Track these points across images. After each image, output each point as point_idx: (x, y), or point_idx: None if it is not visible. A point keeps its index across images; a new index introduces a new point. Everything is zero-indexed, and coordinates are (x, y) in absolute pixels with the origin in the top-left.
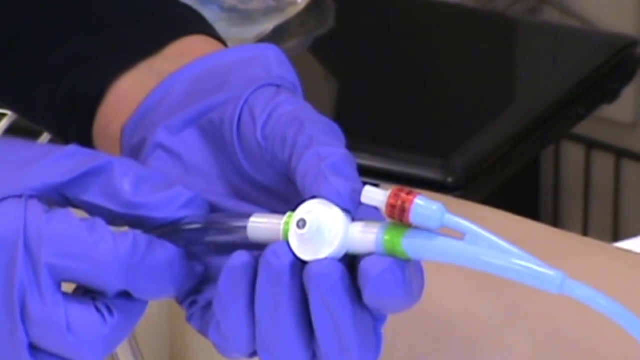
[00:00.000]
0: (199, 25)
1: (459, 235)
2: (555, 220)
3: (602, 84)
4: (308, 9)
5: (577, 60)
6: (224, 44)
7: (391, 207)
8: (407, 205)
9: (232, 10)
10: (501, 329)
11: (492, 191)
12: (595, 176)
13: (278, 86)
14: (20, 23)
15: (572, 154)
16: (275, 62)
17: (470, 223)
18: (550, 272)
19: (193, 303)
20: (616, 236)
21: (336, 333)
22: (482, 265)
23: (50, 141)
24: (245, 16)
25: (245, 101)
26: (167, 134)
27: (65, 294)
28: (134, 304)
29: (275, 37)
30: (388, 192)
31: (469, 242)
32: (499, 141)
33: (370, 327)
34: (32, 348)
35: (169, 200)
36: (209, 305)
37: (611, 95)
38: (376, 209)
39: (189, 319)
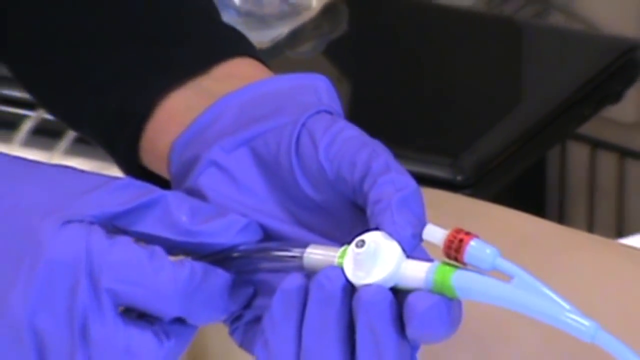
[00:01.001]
0: (243, 47)
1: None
2: (561, 217)
3: (606, 86)
4: (322, 13)
5: (582, 63)
6: (266, 64)
7: (449, 243)
8: (463, 245)
9: (248, 14)
10: (510, 324)
11: (500, 189)
12: (600, 175)
13: (331, 113)
14: (70, 38)
15: (577, 154)
16: (324, 91)
17: (519, 268)
18: (585, 322)
19: (238, 318)
20: (620, 232)
21: (378, 356)
22: (526, 310)
23: (75, 141)
24: (261, 20)
25: (303, 125)
26: (222, 153)
27: (124, 318)
28: (188, 328)
29: (290, 40)
30: (447, 232)
31: (516, 286)
32: (507, 141)
33: (408, 356)
34: None
35: (226, 227)
36: (254, 320)
37: (615, 96)
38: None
39: (232, 332)
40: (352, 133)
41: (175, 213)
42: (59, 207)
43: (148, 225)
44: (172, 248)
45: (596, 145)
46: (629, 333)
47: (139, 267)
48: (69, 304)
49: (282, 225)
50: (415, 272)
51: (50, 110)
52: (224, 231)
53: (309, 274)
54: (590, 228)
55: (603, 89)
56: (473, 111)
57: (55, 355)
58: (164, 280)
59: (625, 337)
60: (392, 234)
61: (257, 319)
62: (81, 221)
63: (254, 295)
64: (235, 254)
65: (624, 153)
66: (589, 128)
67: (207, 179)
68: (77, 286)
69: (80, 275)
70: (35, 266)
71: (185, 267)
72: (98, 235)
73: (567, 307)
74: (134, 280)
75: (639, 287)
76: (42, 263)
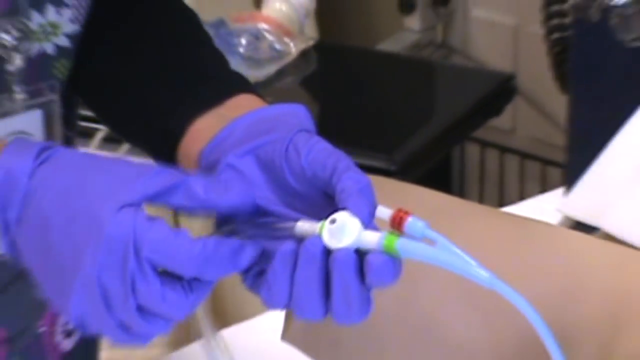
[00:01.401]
0: (245, 86)
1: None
2: (461, 195)
3: (491, 104)
4: (299, 57)
5: (475, 89)
6: (262, 97)
7: (393, 219)
8: (403, 220)
9: (248, 58)
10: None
11: (421, 175)
12: (487, 165)
13: (308, 131)
14: (131, 80)
15: (472, 151)
16: (303, 116)
17: (441, 236)
18: (485, 274)
19: (247, 271)
20: (501, 206)
21: (346, 297)
22: (445, 265)
23: (129, 150)
24: (257, 62)
25: (290, 140)
26: (235, 158)
27: (161, 277)
28: (206, 284)
29: (277, 76)
30: (392, 211)
31: (439, 249)
32: (425, 142)
33: (366, 295)
34: (139, 309)
35: (227, 194)
36: (260, 273)
37: (497, 111)
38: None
39: (244, 280)
40: (323, 145)
41: (194, 188)
42: (114, 192)
43: (177, 199)
44: (194, 213)
45: (485, 144)
46: (511, 279)
47: (168, 242)
48: (122, 266)
49: (275, 207)
50: (371, 239)
51: (113, 127)
52: (226, 197)
53: (298, 241)
54: (481, 202)
55: (489, 106)
56: (402, 122)
57: (114, 301)
58: (183, 252)
59: (510, 281)
60: (354, 213)
61: (261, 272)
62: (130, 205)
63: (259, 256)
64: (245, 226)
65: (504, 150)
66: (479, 133)
67: (225, 176)
68: (127, 255)
69: (129, 247)
70: (99, 239)
71: (199, 242)
72: (141, 218)
73: (473, 263)
74: (164, 252)
75: (516, 241)
76: (104, 237)
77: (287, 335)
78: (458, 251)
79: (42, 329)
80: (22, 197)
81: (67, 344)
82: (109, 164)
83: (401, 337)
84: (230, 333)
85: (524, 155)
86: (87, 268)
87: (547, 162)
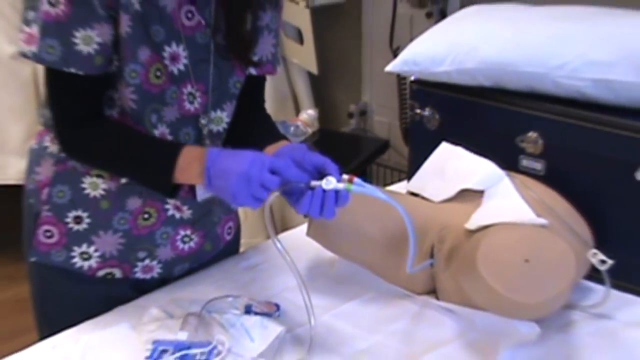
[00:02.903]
0: (286, 139)
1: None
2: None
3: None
4: (311, 135)
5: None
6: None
7: (350, 179)
8: (352, 179)
9: (293, 135)
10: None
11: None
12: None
13: (311, 149)
14: (247, 135)
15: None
16: (306, 147)
17: (366, 183)
18: (384, 195)
19: (290, 195)
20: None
21: (329, 209)
22: (369, 193)
23: None
24: (296, 136)
25: (304, 151)
26: (288, 162)
27: (272, 173)
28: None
29: (302, 141)
30: (349, 176)
31: (367, 189)
32: None
33: (335, 208)
34: (261, 186)
35: (292, 172)
36: (297, 200)
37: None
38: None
39: (290, 203)
40: (317, 154)
41: (283, 173)
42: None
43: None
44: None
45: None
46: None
47: (273, 166)
48: (260, 167)
49: (301, 177)
50: (340, 186)
51: (234, 145)
52: (289, 172)
53: (312, 188)
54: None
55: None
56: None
57: (252, 182)
58: (271, 180)
59: None
60: (334, 176)
61: (297, 199)
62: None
63: (293, 189)
64: (293, 184)
65: (388, 167)
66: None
67: (280, 167)
68: (261, 164)
69: (262, 163)
70: (249, 161)
71: (276, 180)
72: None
73: (381, 193)
74: (273, 167)
75: (398, 194)
76: (250, 159)
77: (309, 232)
78: (373, 188)
79: (217, 226)
80: (211, 168)
81: (228, 237)
82: (246, 154)
83: (354, 228)
84: (284, 235)
85: (392, 169)
86: (242, 168)
87: (400, 171)
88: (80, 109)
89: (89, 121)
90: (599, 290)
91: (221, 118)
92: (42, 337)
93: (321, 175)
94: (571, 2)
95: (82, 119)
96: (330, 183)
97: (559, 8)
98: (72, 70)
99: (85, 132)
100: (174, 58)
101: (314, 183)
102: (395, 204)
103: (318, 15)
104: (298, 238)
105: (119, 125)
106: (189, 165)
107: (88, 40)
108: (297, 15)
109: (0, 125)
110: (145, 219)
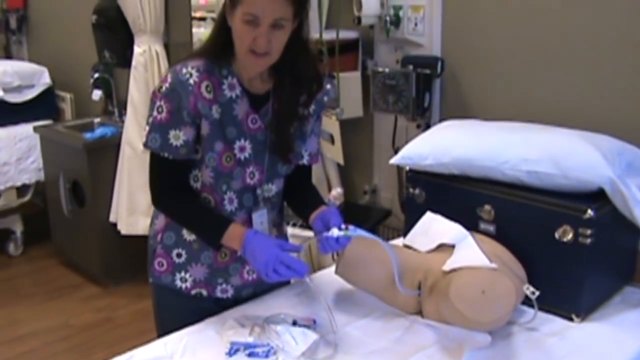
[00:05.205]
0: (322, 202)
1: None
2: None
3: None
4: (339, 206)
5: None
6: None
7: (346, 227)
8: (348, 226)
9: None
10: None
11: None
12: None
13: (338, 212)
14: (301, 204)
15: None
16: (335, 210)
17: (359, 228)
18: (375, 237)
19: (319, 239)
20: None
21: (334, 247)
22: (365, 236)
23: None
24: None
25: (331, 215)
26: (287, 255)
27: (283, 265)
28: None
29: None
30: (345, 225)
31: (361, 232)
32: None
33: (340, 246)
34: (274, 271)
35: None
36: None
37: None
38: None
39: (318, 248)
40: (337, 216)
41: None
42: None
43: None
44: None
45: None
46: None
47: (284, 260)
48: (275, 260)
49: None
50: (340, 233)
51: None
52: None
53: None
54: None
55: None
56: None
57: (269, 268)
58: (280, 269)
59: None
60: (336, 227)
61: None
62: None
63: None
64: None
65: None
66: None
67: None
68: (277, 258)
69: (278, 256)
70: (266, 255)
71: (284, 269)
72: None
73: (373, 235)
74: (284, 260)
75: (400, 249)
76: (267, 253)
77: (337, 271)
78: (367, 233)
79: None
80: (246, 247)
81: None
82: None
83: (367, 271)
84: (320, 273)
85: (393, 229)
86: (262, 259)
87: (399, 231)
88: (168, 181)
89: (173, 191)
90: (530, 312)
91: (271, 189)
92: (158, 335)
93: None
94: (512, 119)
95: (168, 189)
96: (335, 232)
97: (504, 123)
98: (166, 154)
99: (168, 197)
100: (242, 149)
101: (329, 232)
102: (378, 239)
103: (344, 125)
104: (329, 275)
105: (190, 198)
106: (231, 240)
107: (177, 137)
108: (330, 124)
109: (134, 196)
110: (223, 257)
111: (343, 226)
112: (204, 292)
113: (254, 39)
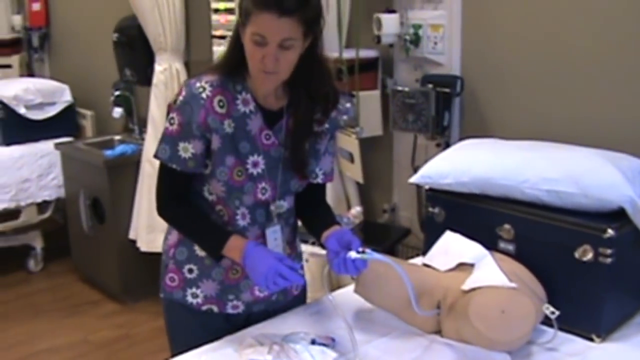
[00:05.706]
0: (336, 221)
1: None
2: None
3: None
4: (358, 224)
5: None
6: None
7: (363, 249)
8: (365, 250)
9: (346, 222)
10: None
11: None
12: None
13: (352, 232)
14: (314, 223)
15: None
16: (348, 231)
17: (374, 252)
18: (389, 260)
19: (330, 262)
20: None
21: (350, 270)
22: (380, 260)
23: None
24: (347, 224)
25: (344, 235)
26: (284, 267)
27: (281, 276)
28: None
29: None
30: (362, 248)
31: (376, 256)
32: None
33: (356, 270)
34: (274, 282)
35: (334, 246)
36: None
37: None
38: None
39: (331, 268)
40: (351, 236)
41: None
42: (272, 257)
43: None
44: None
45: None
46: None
47: (281, 271)
48: (275, 271)
49: (341, 250)
50: (358, 256)
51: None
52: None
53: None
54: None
55: None
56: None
57: (270, 282)
58: (278, 281)
59: None
60: (355, 250)
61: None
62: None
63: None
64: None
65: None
66: None
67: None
68: (276, 270)
69: (277, 269)
70: (267, 264)
71: (281, 280)
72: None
73: (387, 258)
74: (282, 273)
75: (415, 267)
76: (268, 264)
77: (356, 290)
78: (381, 256)
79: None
80: (246, 259)
81: (295, 292)
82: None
83: (386, 290)
84: (339, 292)
85: (413, 248)
86: (262, 270)
87: (418, 249)
88: (173, 191)
89: (177, 201)
90: (549, 331)
91: (283, 205)
92: (173, 353)
93: (349, 249)
94: (531, 137)
95: (173, 198)
96: (352, 255)
97: (524, 142)
98: (174, 166)
99: (172, 207)
100: (255, 164)
101: (347, 254)
102: (394, 264)
103: (364, 143)
104: (348, 294)
105: (194, 209)
106: (232, 251)
107: (186, 149)
108: (350, 143)
109: (154, 213)
110: (234, 274)
111: (360, 249)
112: (215, 308)
113: (262, 58)
